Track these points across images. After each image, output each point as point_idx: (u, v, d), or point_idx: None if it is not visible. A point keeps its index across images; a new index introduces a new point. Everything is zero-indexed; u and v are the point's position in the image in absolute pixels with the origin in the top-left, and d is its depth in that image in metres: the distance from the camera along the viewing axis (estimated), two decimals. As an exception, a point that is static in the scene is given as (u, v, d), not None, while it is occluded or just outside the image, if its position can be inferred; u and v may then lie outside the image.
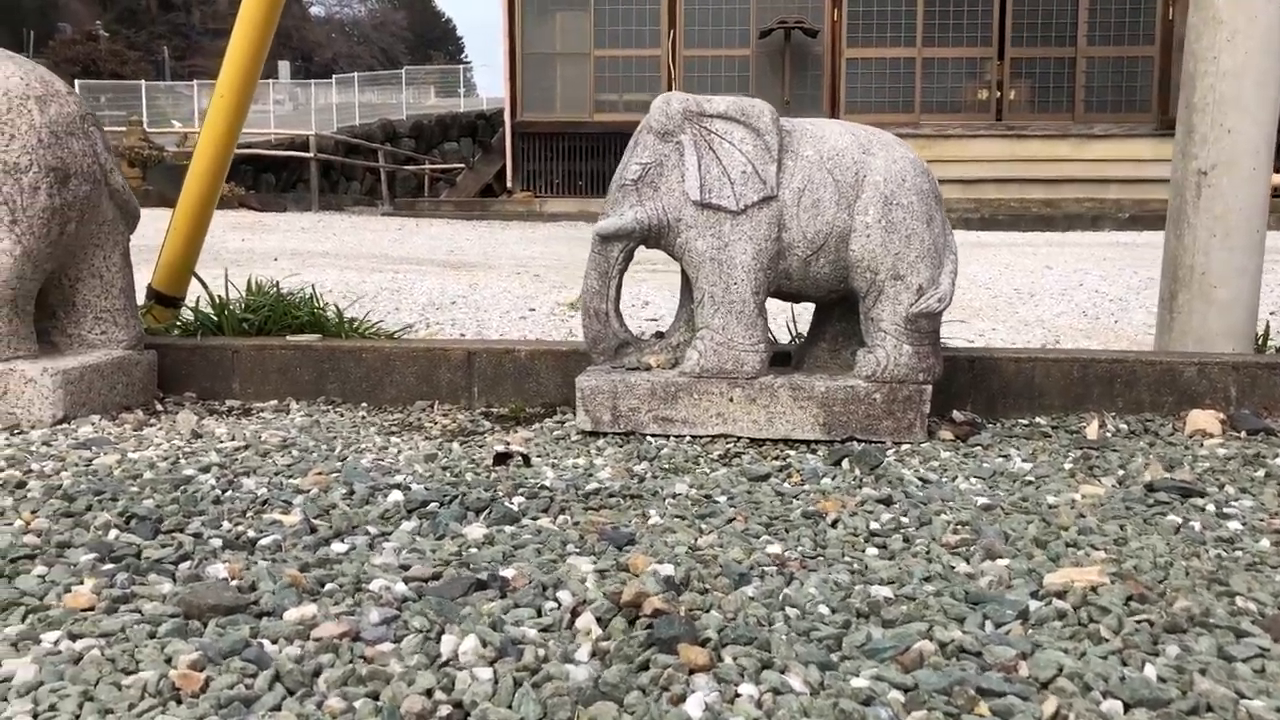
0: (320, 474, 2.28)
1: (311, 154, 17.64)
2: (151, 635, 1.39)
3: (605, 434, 2.77)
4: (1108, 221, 15.17)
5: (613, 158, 18.84)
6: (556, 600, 1.50)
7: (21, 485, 2.13)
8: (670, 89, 18.51)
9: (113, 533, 1.82)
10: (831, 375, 2.80)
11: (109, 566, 1.64)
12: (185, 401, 3.26)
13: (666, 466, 2.44)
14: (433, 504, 2.03)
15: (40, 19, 35.80)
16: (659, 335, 3.04)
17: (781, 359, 2.98)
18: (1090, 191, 16.33)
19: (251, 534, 1.83)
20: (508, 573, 1.60)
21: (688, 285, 3.00)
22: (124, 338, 3.13)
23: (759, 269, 2.71)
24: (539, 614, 1.46)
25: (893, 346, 2.70)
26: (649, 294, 6.85)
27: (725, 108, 2.77)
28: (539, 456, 2.53)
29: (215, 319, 3.55)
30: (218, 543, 1.78)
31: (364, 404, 3.27)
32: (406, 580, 1.59)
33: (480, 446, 2.67)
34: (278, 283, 3.69)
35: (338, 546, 1.78)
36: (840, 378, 2.76)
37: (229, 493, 2.12)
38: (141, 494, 2.07)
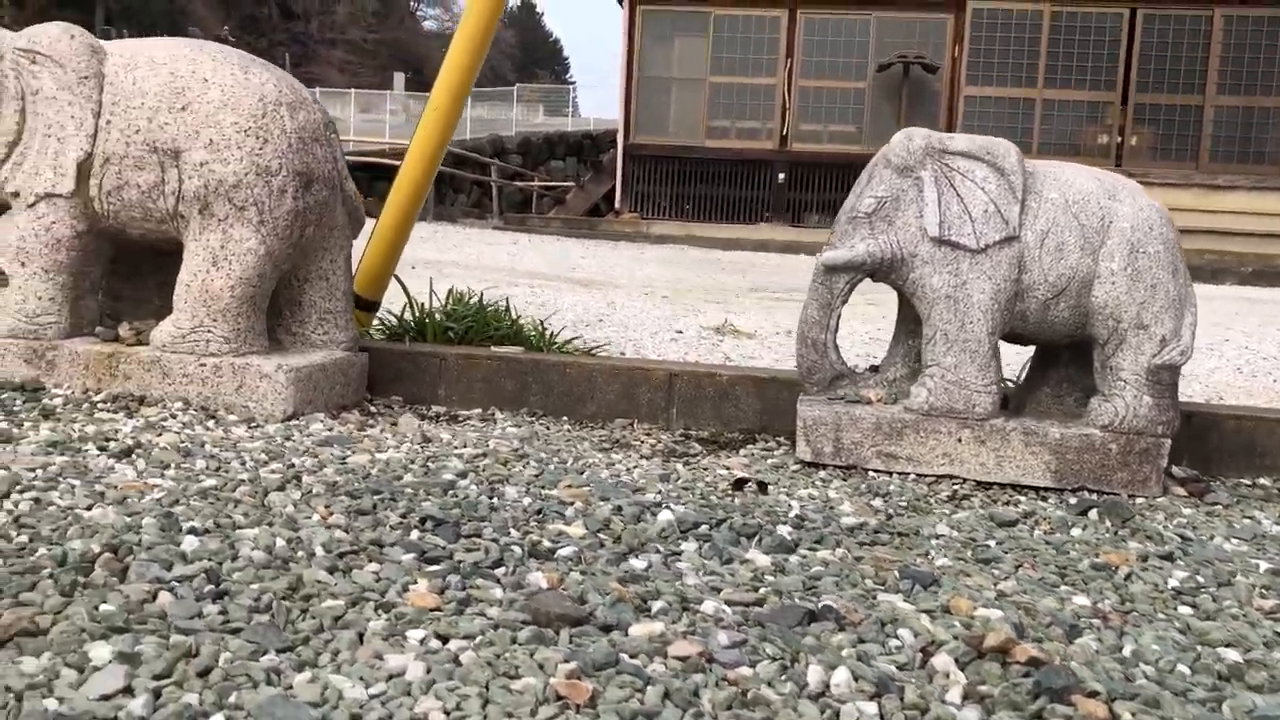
0: (570, 486, 2.32)
1: (429, 165, 17.99)
2: (514, 640, 1.42)
3: (825, 466, 2.76)
4: (1229, 275, 14.69)
5: (722, 183, 18.94)
6: (898, 637, 1.49)
7: (297, 479, 2.20)
8: (784, 118, 18.56)
9: (414, 533, 1.87)
10: (1064, 422, 2.75)
11: (434, 568, 1.68)
12: (393, 404, 3.34)
13: (903, 505, 2.42)
14: (703, 526, 2.04)
15: (169, 23, 37.33)
16: (874, 369, 3.03)
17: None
18: (1211, 244, 15.82)
19: (547, 544, 1.86)
20: (832, 604, 1.60)
21: (905, 320, 2.98)
22: (343, 339, 3.22)
23: (996, 309, 2.68)
24: (884, 649, 1.46)
25: (1132, 397, 2.64)
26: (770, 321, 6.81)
27: (969, 146, 2.76)
28: (770, 485, 2.53)
29: (416, 326, 3.64)
30: (518, 550, 1.81)
31: (565, 417, 3.31)
32: (729, 603, 1.60)
33: (704, 469, 2.69)
34: (481, 294, 3.77)
35: (636, 562, 1.80)
36: (1074, 425, 2.71)
37: (494, 500, 2.16)
38: (417, 496, 2.12)
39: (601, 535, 1.95)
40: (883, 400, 2.85)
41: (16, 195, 2.99)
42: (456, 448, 2.70)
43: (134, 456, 2.30)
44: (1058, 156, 17.46)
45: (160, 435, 2.53)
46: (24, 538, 1.69)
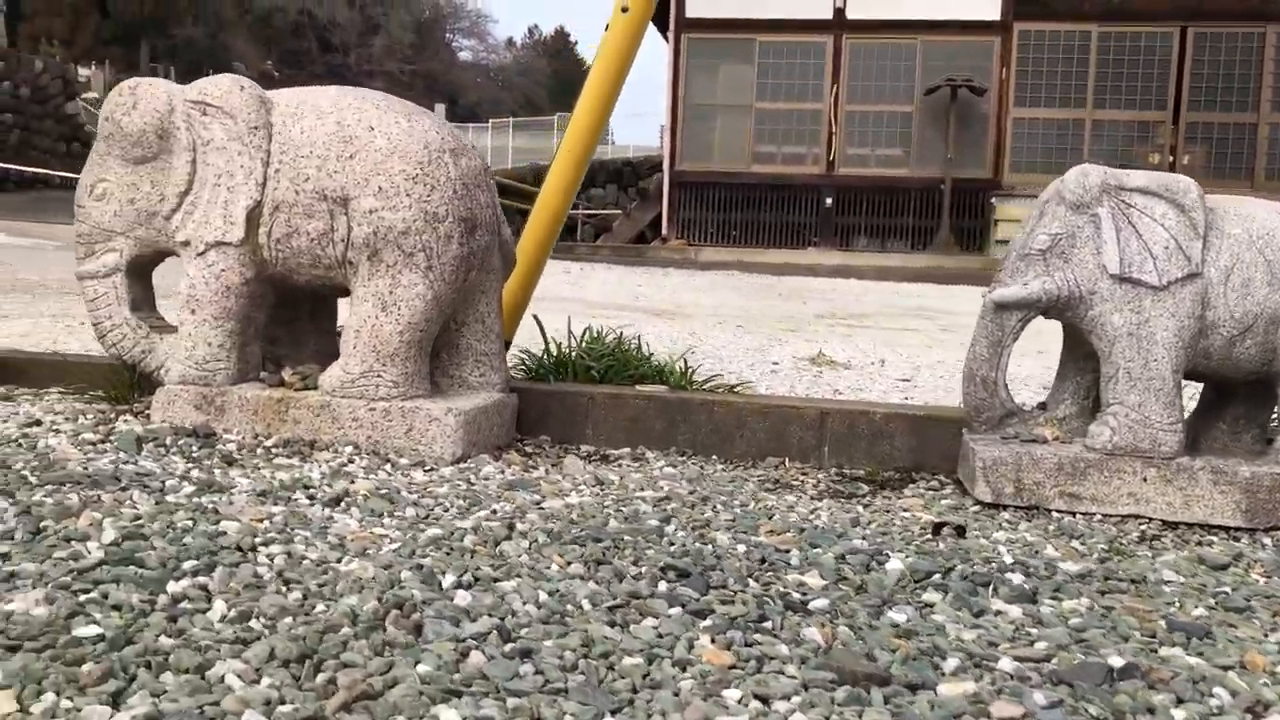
0: (773, 532, 2.31)
1: (480, 195, 18.15)
2: (834, 701, 1.41)
3: (1005, 506, 2.74)
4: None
5: (768, 208, 18.94)
6: (1215, 695, 1.47)
7: (511, 527, 2.21)
8: (831, 143, 18.56)
9: (662, 585, 1.87)
10: (1252, 460, 2.71)
11: (707, 623, 1.68)
12: (543, 444, 3.35)
13: (1105, 548, 2.40)
14: (935, 575, 2.03)
15: (211, 58, 38.03)
16: (1041, 406, 3.00)
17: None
18: (1271, 262, 15.59)
19: (796, 596, 1.86)
20: (1121, 661, 1.58)
21: (1073, 357, 2.96)
22: (497, 380, 3.24)
23: (1180, 346, 2.66)
24: (1208, 709, 1.44)
25: (1325, 435, 2.61)
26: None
27: (1147, 182, 2.75)
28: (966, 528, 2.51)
29: (555, 365, 3.65)
30: (772, 603, 1.81)
31: (714, 456, 3.31)
32: (1019, 659, 1.59)
33: (885, 512, 2.67)
34: (620, 332, 3.79)
35: (895, 615, 1.79)
36: (1264, 463, 2.68)
37: (710, 546, 2.16)
38: (637, 544, 2.12)
39: (842, 586, 1.94)
40: (1059, 439, 2.83)
41: (187, 244, 3.04)
42: (634, 491, 2.70)
43: (344, 505, 2.32)
44: (1108, 177, 17.37)
45: (353, 482, 2.55)
46: (298, 594, 1.71)
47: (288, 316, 3.29)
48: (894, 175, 18.25)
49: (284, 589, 1.73)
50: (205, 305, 3.02)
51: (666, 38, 19.36)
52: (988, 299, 2.88)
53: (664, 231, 19.24)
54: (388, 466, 2.79)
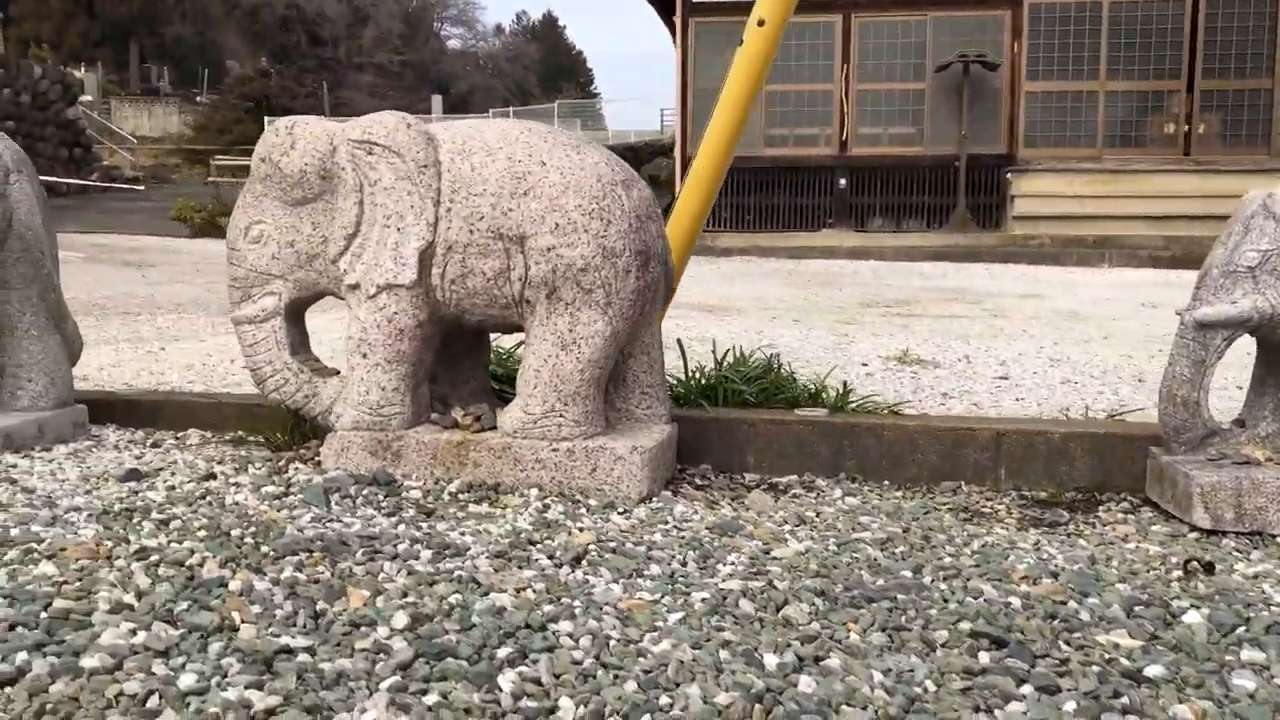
0: (1026, 578, 2.25)
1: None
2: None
3: (1225, 533, 2.67)
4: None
5: (782, 191, 18.81)
6: None
7: (771, 586, 2.14)
8: (843, 124, 18.45)
9: (983, 655, 1.80)
10: None
11: (1071, 705, 1.61)
12: (706, 474, 3.28)
13: (1356, 576, 2.34)
14: (1239, 628, 1.96)
15: (201, 57, 37.65)
16: (1239, 424, 2.94)
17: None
18: (1290, 230, 15.55)
19: (1123, 661, 1.79)
20: None
21: (1268, 372, 2.90)
22: (663, 412, 3.16)
23: (1405, 365, 2.60)
24: None
25: None
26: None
27: (1364, 196, 2.68)
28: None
29: (704, 390, 3.58)
30: (1110, 675, 1.74)
31: (885, 482, 3.24)
32: None
33: (1110, 544, 2.61)
34: (777, 355, 3.71)
35: (1241, 682, 1.73)
36: None
37: (981, 600, 2.09)
38: (912, 601, 2.05)
39: (1159, 646, 1.87)
40: (1271, 460, 2.77)
41: (355, 287, 2.94)
42: (847, 532, 2.63)
43: (587, 565, 2.25)
44: (1124, 148, 17.32)
45: (570, 535, 2.47)
46: (632, 684, 1.63)
47: (448, 355, 3.20)
48: (908, 153, 18.16)
49: (613, 679, 1.66)
50: (377, 349, 2.93)
51: (673, 23, 19.19)
52: (1189, 318, 2.81)
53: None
54: (584, 510, 2.72)
